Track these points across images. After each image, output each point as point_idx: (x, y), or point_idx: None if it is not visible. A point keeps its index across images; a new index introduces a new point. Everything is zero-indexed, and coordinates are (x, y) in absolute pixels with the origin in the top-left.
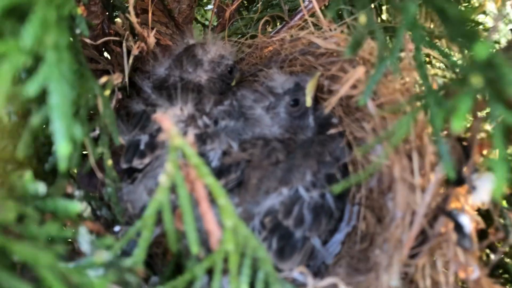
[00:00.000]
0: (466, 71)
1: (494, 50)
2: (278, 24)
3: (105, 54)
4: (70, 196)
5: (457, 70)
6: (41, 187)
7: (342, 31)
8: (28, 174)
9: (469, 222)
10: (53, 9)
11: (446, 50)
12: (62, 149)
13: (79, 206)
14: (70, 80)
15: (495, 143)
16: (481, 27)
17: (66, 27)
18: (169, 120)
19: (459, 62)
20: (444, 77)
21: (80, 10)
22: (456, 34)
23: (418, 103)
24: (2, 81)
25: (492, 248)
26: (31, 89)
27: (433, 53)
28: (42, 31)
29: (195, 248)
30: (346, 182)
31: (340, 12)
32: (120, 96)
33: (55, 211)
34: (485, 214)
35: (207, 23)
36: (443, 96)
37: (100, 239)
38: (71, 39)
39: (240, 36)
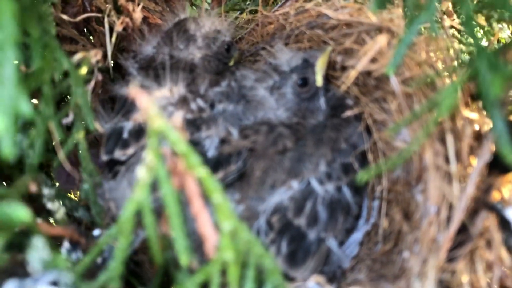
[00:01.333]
0: None
1: None
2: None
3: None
4: (36, 197)
5: None
6: None
7: (355, 1)
8: None
9: None
10: None
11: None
12: None
13: (26, 214)
14: (14, 40)
15: None
16: None
17: None
18: (146, 96)
19: None
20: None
21: None
22: None
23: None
24: None
25: None
26: None
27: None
28: None
29: (184, 258)
30: (372, 169)
31: None
32: (100, 78)
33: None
34: None
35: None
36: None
37: (54, 255)
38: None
39: (239, 12)
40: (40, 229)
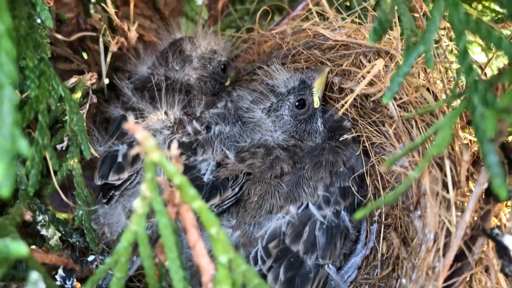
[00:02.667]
0: None
1: None
2: (275, 17)
3: (85, 55)
4: (30, 224)
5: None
6: None
7: (352, 21)
8: None
9: None
10: None
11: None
12: None
13: (23, 248)
14: (12, 80)
15: None
16: None
17: (6, 10)
18: (143, 130)
19: None
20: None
21: None
22: None
23: (459, 102)
24: None
25: None
26: None
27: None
28: None
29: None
30: (368, 208)
31: (346, 2)
32: (95, 100)
33: None
34: None
35: (197, 17)
36: (492, 92)
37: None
38: (29, 29)
39: (234, 30)
40: (36, 258)
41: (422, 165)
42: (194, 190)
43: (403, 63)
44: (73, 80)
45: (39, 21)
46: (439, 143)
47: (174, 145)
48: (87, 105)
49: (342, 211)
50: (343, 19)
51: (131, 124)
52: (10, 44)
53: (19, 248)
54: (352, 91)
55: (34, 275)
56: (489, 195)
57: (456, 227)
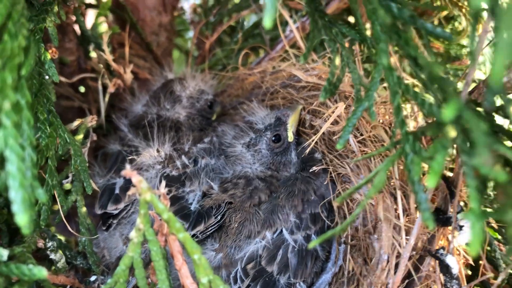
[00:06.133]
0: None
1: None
2: (261, 53)
3: (83, 89)
4: (40, 249)
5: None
6: (2, 252)
7: (324, 63)
8: None
9: (456, 263)
10: (11, 70)
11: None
12: (20, 220)
13: (43, 272)
14: (30, 141)
15: (470, 198)
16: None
17: (26, 87)
18: (137, 176)
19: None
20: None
21: (49, 54)
22: (430, 85)
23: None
24: None
25: (485, 285)
26: None
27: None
28: None
29: None
30: (327, 234)
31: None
32: (95, 138)
33: (20, 276)
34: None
35: (188, 47)
36: (420, 141)
37: None
38: (39, 86)
39: (221, 67)
40: (48, 279)
41: (363, 203)
42: (180, 223)
43: (351, 116)
44: (76, 122)
45: (47, 77)
46: (376, 184)
47: (162, 184)
48: (88, 143)
49: (313, 235)
50: (315, 61)
51: (128, 171)
52: (29, 115)
53: (40, 272)
54: (320, 127)
55: None
56: (436, 221)
57: (403, 249)
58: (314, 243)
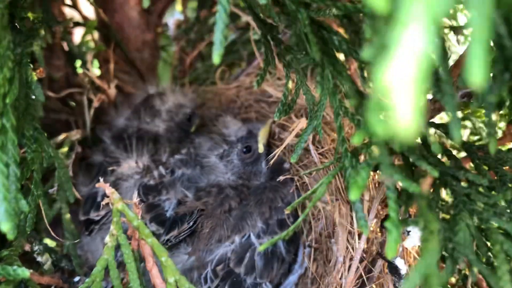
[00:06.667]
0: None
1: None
2: (242, 66)
3: (73, 103)
4: (28, 253)
5: None
6: None
7: (292, 80)
8: None
9: (404, 264)
10: None
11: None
12: (4, 227)
13: (26, 273)
14: (15, 159)
15: (389, 208)
16: None
17: (11, 112)
18: (109, 187)
19: None
20: None
21: (35, 76)
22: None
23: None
24: None
25: None
26: None
27: None
28: None
29: None
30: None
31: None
32: (80, 150)
33: (6, 276)
34: None
35: (171, 60)
36: (357, 158)
37: None
38: (26, 105)
39: (201, 82)
40: (34, 280)
41: (309, 207)
42: (148, 229)
43: (302, 134)
44: (61, 136)
45: (33, 97)
46: (317, 195)
47: (134, 195)
48: (73, 155)
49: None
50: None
51: (101, 183)
52: (13, 137)
53: (24, 272)
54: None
55: None
56: (383, 227)
57: (355, 252)
58: (264, 246)
